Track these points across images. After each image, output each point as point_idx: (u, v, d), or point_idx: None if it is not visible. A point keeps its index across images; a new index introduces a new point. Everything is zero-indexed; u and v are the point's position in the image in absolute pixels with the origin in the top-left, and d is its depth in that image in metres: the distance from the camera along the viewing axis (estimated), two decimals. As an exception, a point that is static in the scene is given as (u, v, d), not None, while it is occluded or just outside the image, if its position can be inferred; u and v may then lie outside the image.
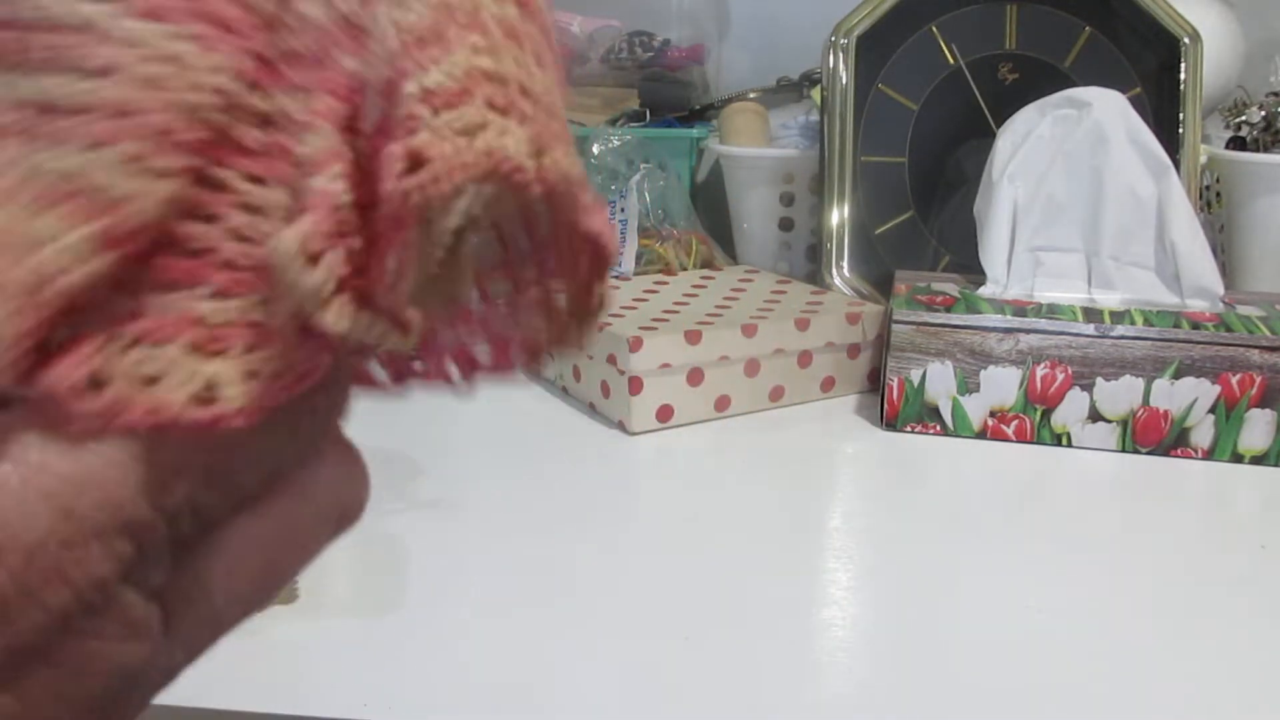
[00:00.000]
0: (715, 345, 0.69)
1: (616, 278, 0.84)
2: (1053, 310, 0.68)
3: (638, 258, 0.87)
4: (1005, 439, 0.68)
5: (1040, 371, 0.66)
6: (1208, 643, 0.45)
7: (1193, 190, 0.83)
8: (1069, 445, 0.67)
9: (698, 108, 1.08)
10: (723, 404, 0.71)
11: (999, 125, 0.77)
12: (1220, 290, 0.70)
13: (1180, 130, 0.84)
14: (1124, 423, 0.66)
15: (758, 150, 0.96)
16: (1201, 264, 0.70)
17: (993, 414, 0.68)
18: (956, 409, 0.68)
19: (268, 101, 0.11)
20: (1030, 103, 0.75)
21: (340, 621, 0.46)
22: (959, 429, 0.68)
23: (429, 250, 0.11)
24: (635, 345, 0.66)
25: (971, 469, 0.64)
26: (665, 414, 0.69)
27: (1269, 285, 0.87)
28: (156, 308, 0.12)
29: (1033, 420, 0.67)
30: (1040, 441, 0.68)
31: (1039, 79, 0.84)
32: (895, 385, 0.69)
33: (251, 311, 0.12)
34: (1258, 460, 0.65)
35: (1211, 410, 0.65)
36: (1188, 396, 0.65)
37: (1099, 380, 0.66)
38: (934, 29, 0.86)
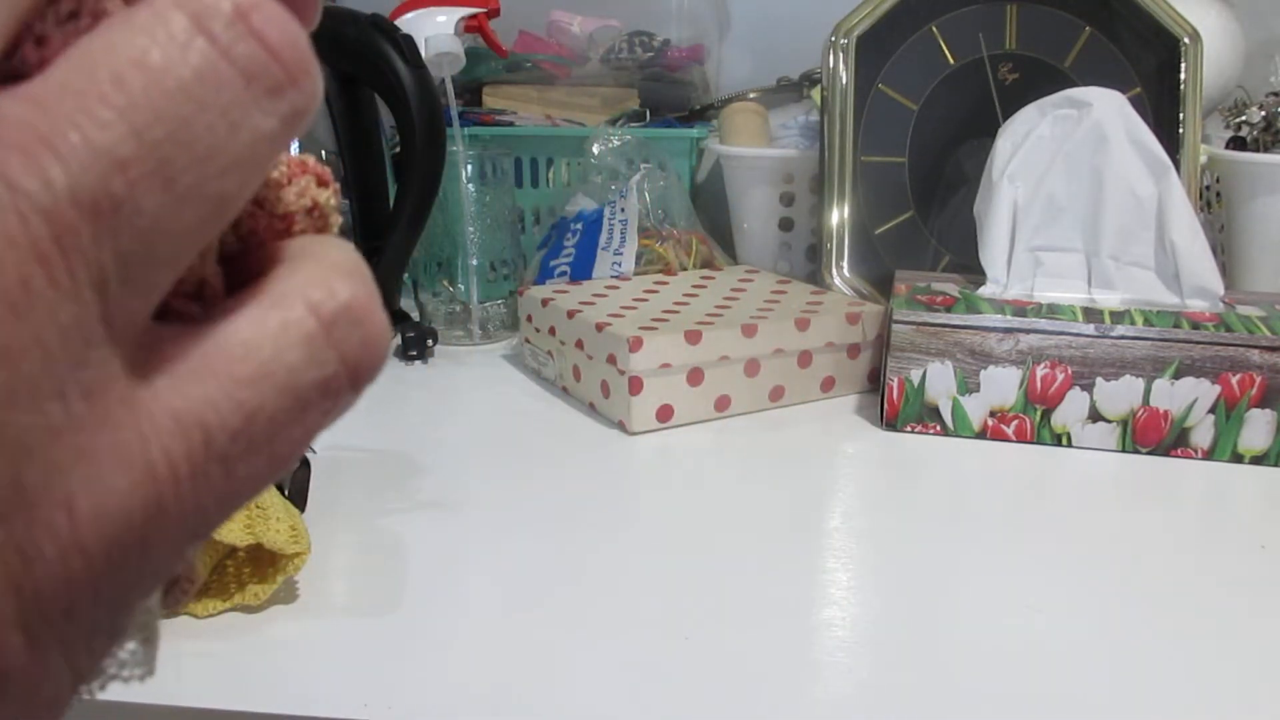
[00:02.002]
0: (715, 345, 0.69)
1: (616, 278, 0.84)
2: (1053, 310, 0.68)
3: (638, 258, 0.87)
4: (1005, 439, 0.68)
5: (1040, 371, 0.66)
6: (1208, 643, 0.45)
7: (1193, 190, 0.83)
8: (1069, 445, 0.67)
9: (698, 108, 1.08)
10: (723, 404, 0.71)
11: (999, 125, 0.77)
12: (1220, 290, 0.70)
13: (1180, 130, 0.84)
14: (1124, 423, 0.66)
15: (758, 150, 0.96)
16: (1201, 264, 0.70)
17: (993, 414, 0.68)
18: (956, 409, 0.68)
19: None
20: (1030, 103, 0.75)
21: (340, 621, 0.46)
22: (959, 429, 0.68)
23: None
24: (635, 345, 0.66)
25: (971, 469, 0.64)
26: (665, 414, 0.69)
27: (1269, 285, 0.87)
28: None
29: (1033, 420, 0.67)
30: (1040, 441, 0.68)
31: (1039, 79, 0.84)
32: (895, 385, 0.69)
33: None
34: (1258, 460, 0.65)
35: (1211, 410, 0.65)
36: (1188, 396, 0.65)
37: (1099, 380, 0.66)
38: (934, 29, 0.86)
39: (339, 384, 0.15)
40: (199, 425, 0.14)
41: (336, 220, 0.18)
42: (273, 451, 0.15)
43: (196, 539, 0.15)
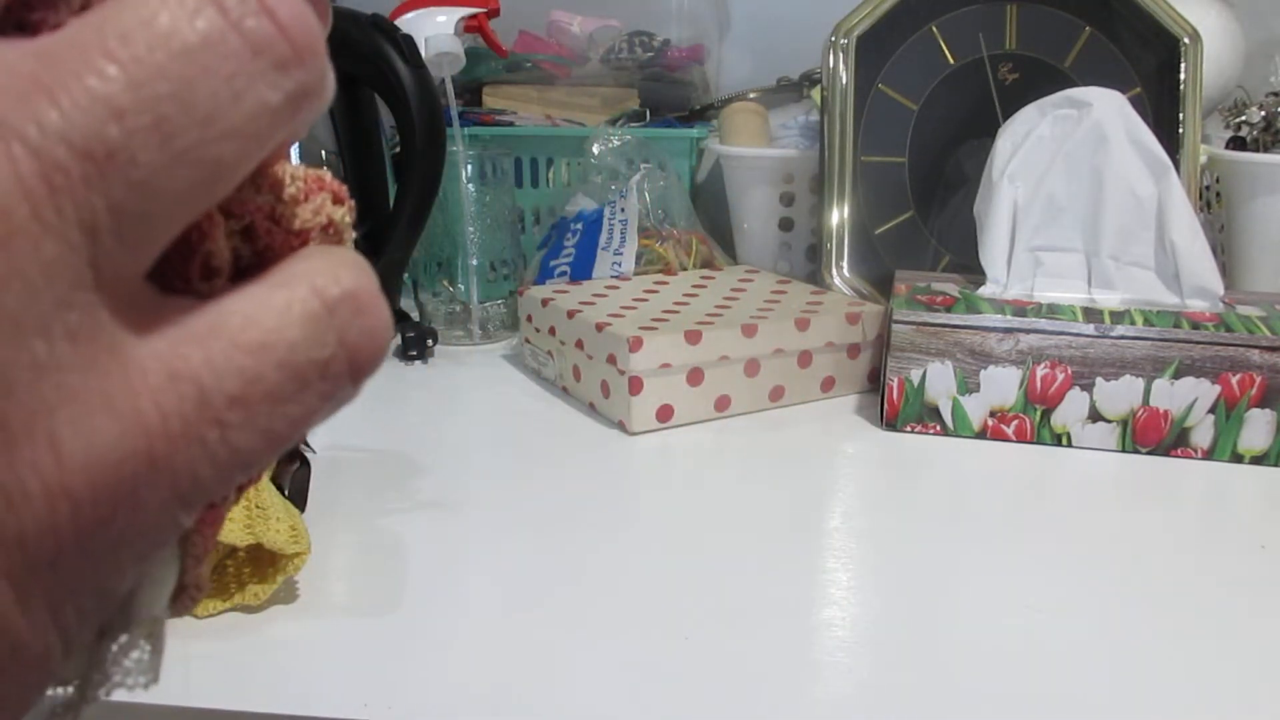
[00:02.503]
0: (715, 345, 0.69)
1: (616, 278, 0.84)
2: (1053, 310, 0.68)
3: (638, 258, 0.87)
4: (1005, 439, 0.68)
5: (1040, 371, 0.66)
6: (1208, 643, 0.45)
7: (1193, 190, 0.83)
8: (1069, 445, 0.67)
9: (698, 108, 1.08)
10: (723, 404, 0.71)
11: (999, 125, 0.77)
12: (1220, 290, 0.70)
13: (1180, 130, 0.84)
14: (1124, 423, 0.66)
15: (758, 150, 0.96)
16: (1201, 264, 0.70)
17: (993, 414, 0.68)
18: (956, 409, 0.68)
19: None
20: (1030, 103, 0.75)
21: (340, 621, 0.46)
22: (959, 429, 0.68)
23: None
24: (635, 345, 0.66)
25: (971, 469, 0.64)
26: (665, 414, 0.69)
27: (1269, 285, 0.87)
28: None
29: (1033, 420, 0.67)
30: (1040, 441, 0.68)
31: (1039, 79, 0.84)
32: (895, 385, 0.69)
33: None
34: (1258, 460, 0.65)
35: (1211, 410, 0.65)
36: (1188, 396, 0.65)
37: (1099, 380, 0.66)
38: (934, 29, 0.86)
39: (338, 368, 0.15)
40: (194, 384, 0.14)
41: (350, 237, 0.18)
42: (270, 428, 0.15)
43: (188, 506, 0.15)
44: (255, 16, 0.14)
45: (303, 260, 0.16)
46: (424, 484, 0.61)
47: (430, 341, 0.83)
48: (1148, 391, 0.66)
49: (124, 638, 0.16)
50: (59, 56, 0.13)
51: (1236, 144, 0.90)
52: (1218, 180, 0.91)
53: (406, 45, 0.75)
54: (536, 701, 0.40)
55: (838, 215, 0.85)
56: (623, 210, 0.88)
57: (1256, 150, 0.88)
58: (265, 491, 0.47)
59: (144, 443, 0.14)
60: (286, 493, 0.51)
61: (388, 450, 0.65)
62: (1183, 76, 0.84)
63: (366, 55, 0.75)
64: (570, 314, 0.73)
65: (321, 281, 0.15)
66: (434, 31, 0.84)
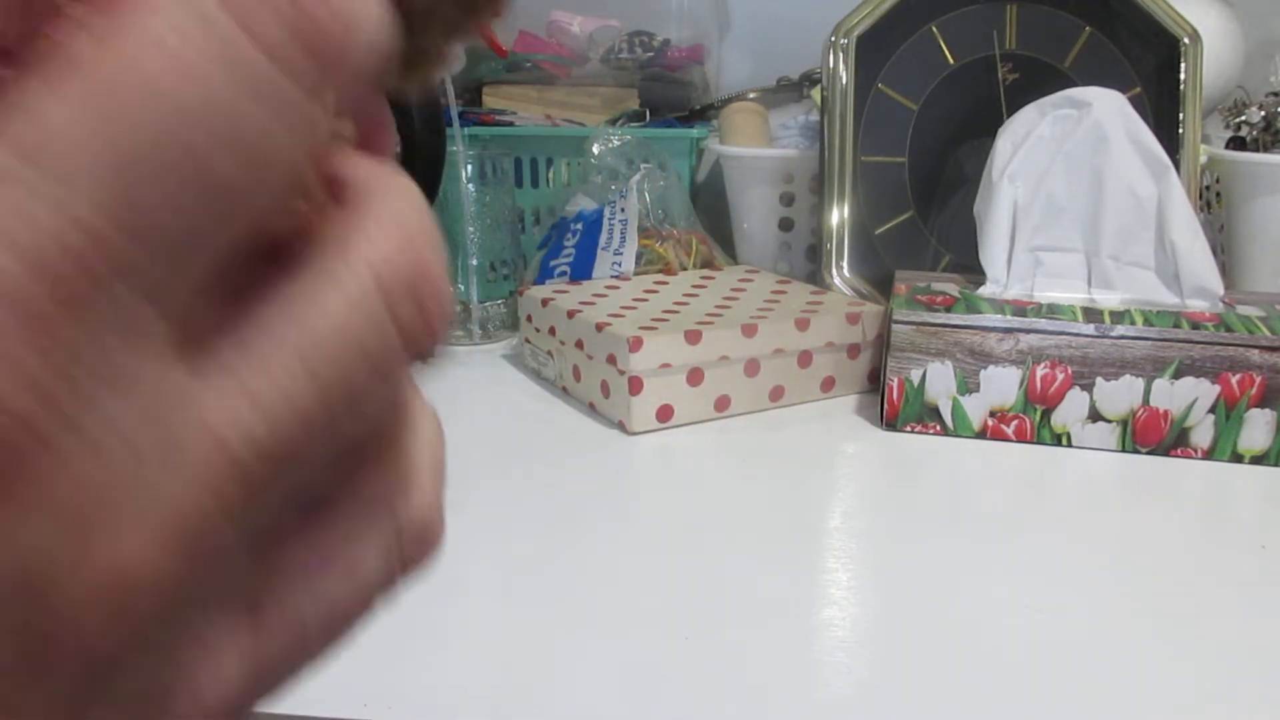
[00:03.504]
0: (715, 345, 0.69)
1: (616, 278, 0.84)
2: (1053, 310, 0.68)
3: (638, 258, 0.87)
4: (1005, 439, 0.68)
5: (1040, 371, 0.66)
6: (1208, 643, 0.45)
7: (1193, 190, 0.83)
8: (1069, 445, 0.67)
9: (698, 108, 1.08)
10: (723, 404, 0.71)
11: (999, 125, 0.77)
12: (1220, 290, 0.70)
13: (1180, 130, 0.84)
14: (1124, 423, 0.66)
15: (758, 150, 0.96)
16: (1201, 264, 0.70)
17: (993, 414, 0.68)
18: (956, 409, 0.68)
19: None
20: (1030, 103, 0.75)
21: (340, 621, 0.46)
22: (959, 429, 0.68)
23: None
24: (635, 345, 0.66)
25: (971, 469, 0.64)
26: (665, 414, 0.69)
27: (1269, 285, 0.87)
28: None
29: (1033, 420, 0.67)
30: (1040, 441, 0.68)
31: (1039, 79, 0.84)
32: (895, 385, 0.69)
33: None
34: (1258, 460, 0.65)
35: (1211, 410, 0.65)
36: (1188, 396, 0.65)
37: (1099, 380, 0.66)
38: (934, 29, 0.86)
39: (402, 356, 0.15)
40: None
41: None
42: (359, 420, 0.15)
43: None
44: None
45: (356, 244, 0.16)
46: (424, 484, 0.60)
47: (430, 341, 0.83)
48: (1148, 391, 0.66)
49: None
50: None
51: (1236, 144, 0.90)
52: (1218, 180, 0.91)
53: (406, 45, 0.75)
54: (536, 702, 0.40)
55: (838, 215, 0.85)
56: (623, 210, 0.88)
57: (1256, 150, 0.88)
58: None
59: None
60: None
61: (388, 450, 0.65)
62: (1183, 76, 0.84)
63: (366, 55, 0.74)
64: (570, 314, 0.73)
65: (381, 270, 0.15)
66: (434, 31, 0.84)
